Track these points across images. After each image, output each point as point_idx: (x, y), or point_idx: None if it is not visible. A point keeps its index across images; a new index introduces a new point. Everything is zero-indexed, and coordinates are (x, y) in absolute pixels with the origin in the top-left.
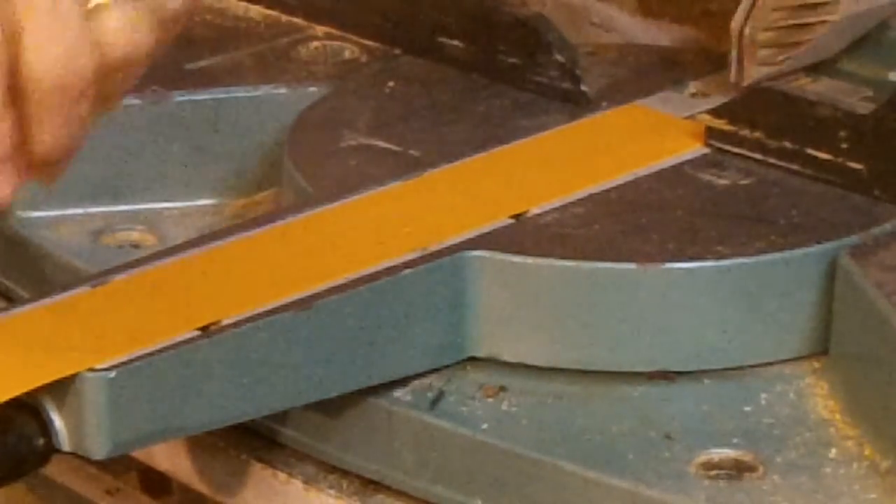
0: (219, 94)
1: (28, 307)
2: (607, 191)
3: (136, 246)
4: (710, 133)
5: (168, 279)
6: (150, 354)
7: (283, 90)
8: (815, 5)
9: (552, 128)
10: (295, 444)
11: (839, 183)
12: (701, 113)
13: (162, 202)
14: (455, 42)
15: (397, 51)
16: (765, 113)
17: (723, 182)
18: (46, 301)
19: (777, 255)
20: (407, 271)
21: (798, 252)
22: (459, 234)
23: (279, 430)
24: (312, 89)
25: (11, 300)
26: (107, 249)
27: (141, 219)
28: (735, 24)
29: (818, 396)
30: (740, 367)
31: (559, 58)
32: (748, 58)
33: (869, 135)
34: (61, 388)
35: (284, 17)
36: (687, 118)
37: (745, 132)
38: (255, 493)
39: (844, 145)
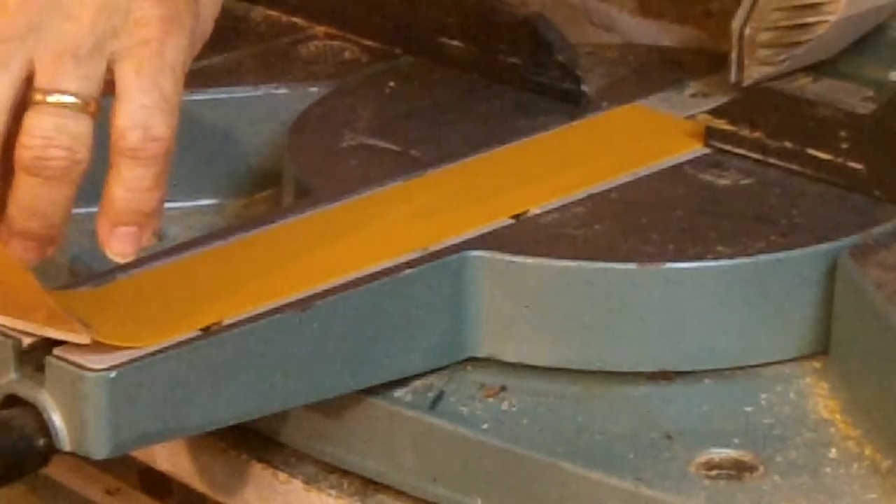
0: (219, 94)
1: None
2: (607, 191)
3: None
4: (711, 133)
5: (168, 279)
6: (150, 354)
7: (283, 90)
8: (815, 5)
9: (552, 128)
10: (295, 444)
11: (839, 183)
12: (701, 113)
13: None
14: (455, 42)
15: (397, 51)
16: (765, 113)
17: (723, 182)
18: None
19: (777, 255)
20: (407, 271)
21: (798, 252)
22: (459, 234)
23: (279, 430)
24: (312, 89)
25: None
26: None
27: None
28: (735, 24)
29: (818, 396)
30: (740, 367)
31: (559, 58)
32: (748, 58)
33: (869, 135)
34: (62, 388)
35: (284, 17)
36: (687, 118)
37: (745, 132)
38: (255, 493)
39: (844, 145)
